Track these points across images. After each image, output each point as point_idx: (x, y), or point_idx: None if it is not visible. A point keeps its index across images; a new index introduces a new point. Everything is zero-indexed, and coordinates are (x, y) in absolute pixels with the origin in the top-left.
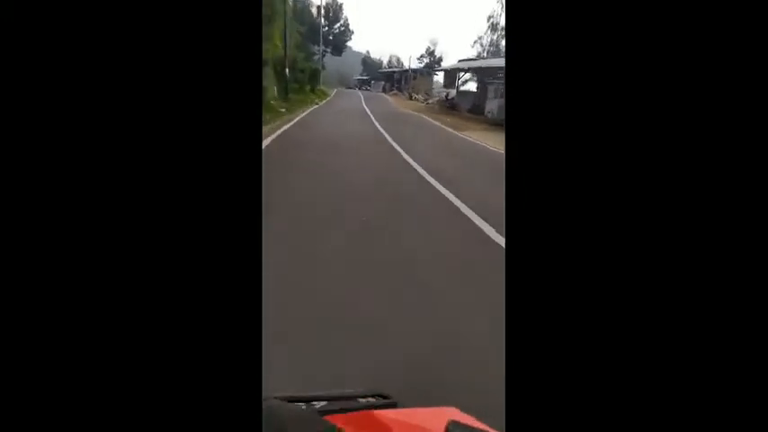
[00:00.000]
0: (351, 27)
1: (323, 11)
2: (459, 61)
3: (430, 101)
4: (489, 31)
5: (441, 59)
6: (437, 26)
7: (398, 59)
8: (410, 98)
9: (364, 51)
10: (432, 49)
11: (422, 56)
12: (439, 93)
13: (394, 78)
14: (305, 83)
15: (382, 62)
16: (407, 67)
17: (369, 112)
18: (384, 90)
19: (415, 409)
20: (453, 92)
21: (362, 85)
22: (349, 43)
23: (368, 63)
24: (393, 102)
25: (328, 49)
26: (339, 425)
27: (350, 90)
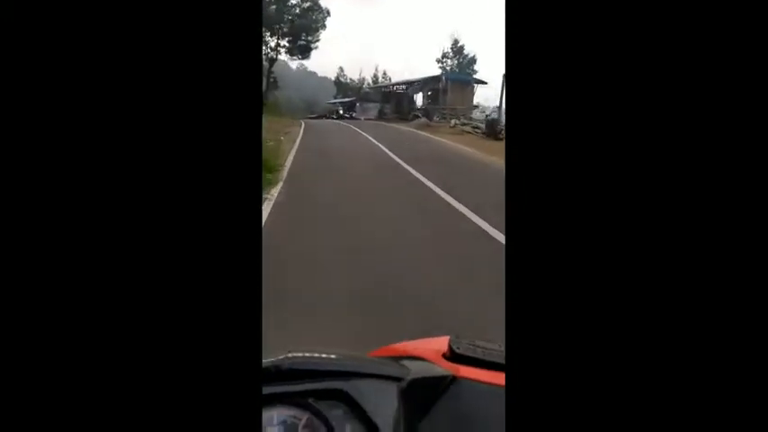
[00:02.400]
0: (322, 3)
1: None
2: None
3: None
4: None
5: (474, 59)
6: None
7: (385, 73)
8: (496, 136)
9: (332, 75)
10: (459, 43)
11: (444, 56)
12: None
13: (403, 96)
14: None
15: (363, 80)
16: (440, 74)
17: None
18: (382, 116)
19: (420, 340)
20: None
21: (345, 110)
22: (312, 67)
23: (342, 84)
24: (488, 157)
25: (282, 45)
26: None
27: (328, 122)
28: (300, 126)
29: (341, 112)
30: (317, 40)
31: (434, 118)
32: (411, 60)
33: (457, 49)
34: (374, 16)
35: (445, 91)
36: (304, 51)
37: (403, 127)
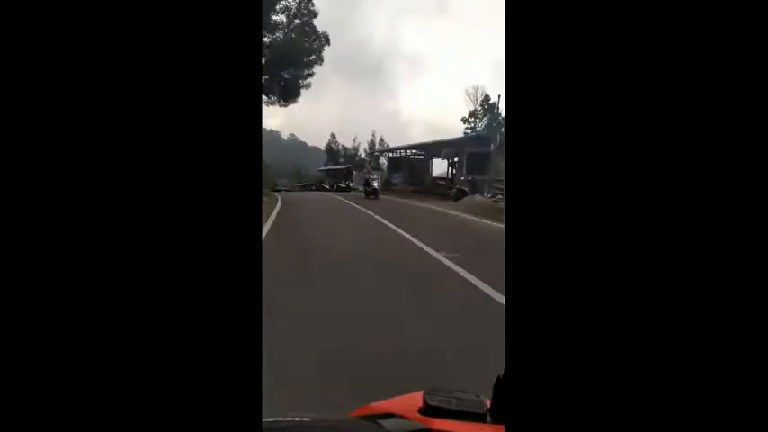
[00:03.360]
0: (316, 23)
1: None
2: None
3: None
4: None
5: None
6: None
7: (382, 139)
8: None
9: (322, 145)
10: (491, 99)
11: (472, 114)
12: None
13: (422, 164)
14: None
15: (359, 147)
16: (482, 134)
17: None
18: (390, 186)
19: (397, 397)
20: None
21: (336, 180)
22: (302, 138)
23: (335, 151)
24: None
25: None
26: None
27: (318, 195)
28: (276, 204)
29: (366, 182)
30: (310, 75)
31: (486, 194)
32: (407, 127)
33: (488, 107)
34: (368, 89)
35: (497, 154)
36: (289, 93)
37: (450, 211)
